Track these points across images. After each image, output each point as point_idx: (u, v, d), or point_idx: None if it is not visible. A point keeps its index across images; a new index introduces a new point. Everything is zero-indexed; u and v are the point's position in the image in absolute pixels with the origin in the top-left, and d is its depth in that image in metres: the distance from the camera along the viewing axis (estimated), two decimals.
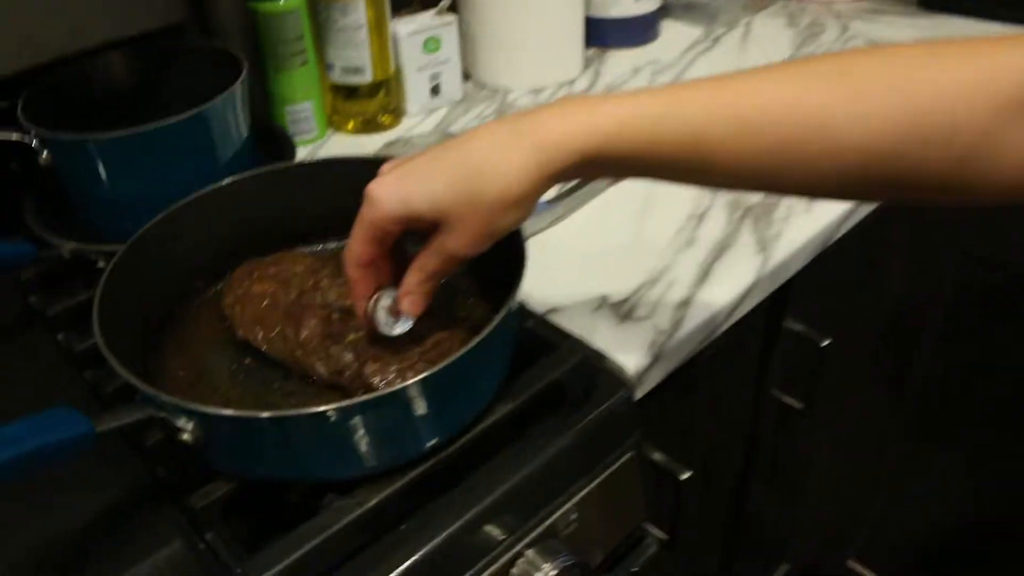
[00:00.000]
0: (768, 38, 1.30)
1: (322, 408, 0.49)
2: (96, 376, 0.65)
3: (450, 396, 0.54)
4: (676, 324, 0.74)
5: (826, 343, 1.00)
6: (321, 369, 0.59)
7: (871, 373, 1.34)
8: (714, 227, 0.87)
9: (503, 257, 0.60)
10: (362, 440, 0.52)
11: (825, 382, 1.11)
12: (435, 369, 0.51)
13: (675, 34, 1.33)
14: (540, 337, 0.67)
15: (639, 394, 0.71)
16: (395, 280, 0.58)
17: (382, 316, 0.57)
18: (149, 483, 0.59)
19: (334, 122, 1.04)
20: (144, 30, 0.88)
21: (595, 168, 0.52)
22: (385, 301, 0.57)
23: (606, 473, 0.66)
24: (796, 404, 1.07)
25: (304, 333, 0.60)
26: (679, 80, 1.07)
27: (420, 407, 0.53)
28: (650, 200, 0.92)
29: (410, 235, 0.57)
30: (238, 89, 0.75)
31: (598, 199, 0.92)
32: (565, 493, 0.63)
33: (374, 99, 1.03)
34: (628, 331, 0.73)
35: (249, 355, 0.64)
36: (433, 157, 0.53)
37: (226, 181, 0.68)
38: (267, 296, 0.64)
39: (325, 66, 1.00)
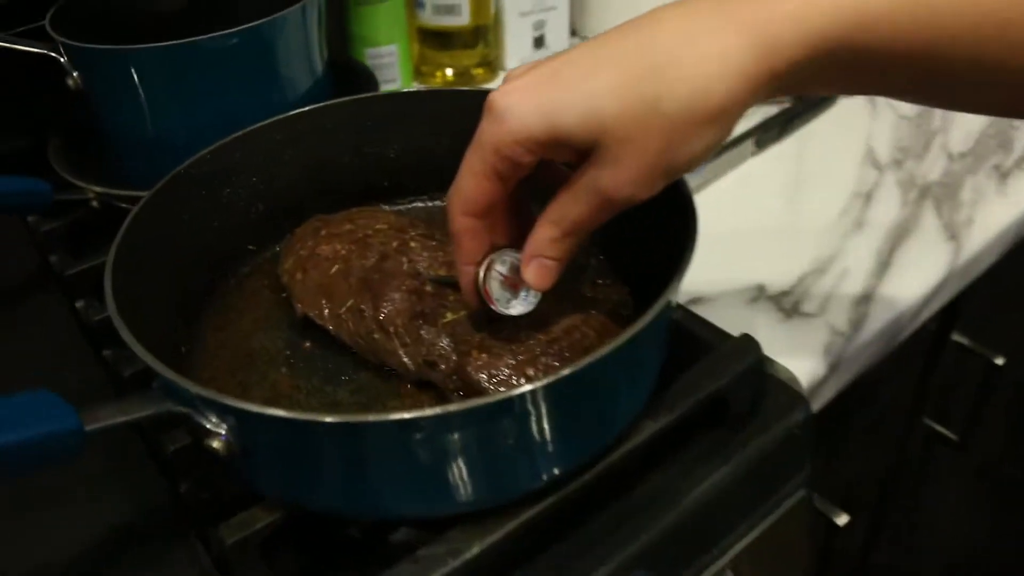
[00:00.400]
0: None
1: (409, 415, 0.33)
2: (117, 356, 0.51)
3: (588, 407, 0.38)
4: (856, 323, 0.57)
5: (1000, 362, 0.82)
6: (406, 359, 0.44)
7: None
8: (887, 208, 0.70)
9: (652, 219, 0.44)
10: (460, 464, 0.37)
11: (995, 411, 0.92)
12: (575, 368, 0.35)
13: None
14: (691, 334, 0.51)
15: (816, 406, 0.54)
16: (515, 244, 0.42)
17: (495, 288, 0.41)
18: (169, 502, 0.44)
19: (421, 73, 0.89)
20: None
21: (837, 67, 0.35)
22: (500, 268, 0.41)
23: (774, 515, 0.49)
24: (951, 435, 0.89)
25: (386, 309, 0.45)
26: None
27: (545, 421, 0.37)
28: (800, 175, 0.75)
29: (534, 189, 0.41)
30: (314, 2, 0.60)
31: (735, 172, 0.75)
32: (721, 543, 0.47)
33: (469, 49, 0.87)
34: (796, 330, 0.57)
35: (310, 336, 0.49)
36: (595, 47, 0.36)
37: (293, 112, 0.53)
38: (338, 260, 0.48)
39: (414, 4, 0.85)
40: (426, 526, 0.39)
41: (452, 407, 0.33)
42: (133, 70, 0.55)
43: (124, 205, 0.58)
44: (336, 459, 0.36)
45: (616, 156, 0.35)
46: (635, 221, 0.47)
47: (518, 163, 0.37)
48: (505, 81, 0.37)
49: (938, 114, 0.84)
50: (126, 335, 0.37)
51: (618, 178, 0.36)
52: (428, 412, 0.33)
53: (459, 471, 0.37)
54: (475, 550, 0.37)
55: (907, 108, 0.85)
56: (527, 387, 0.34)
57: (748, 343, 0.48)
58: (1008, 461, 1.19)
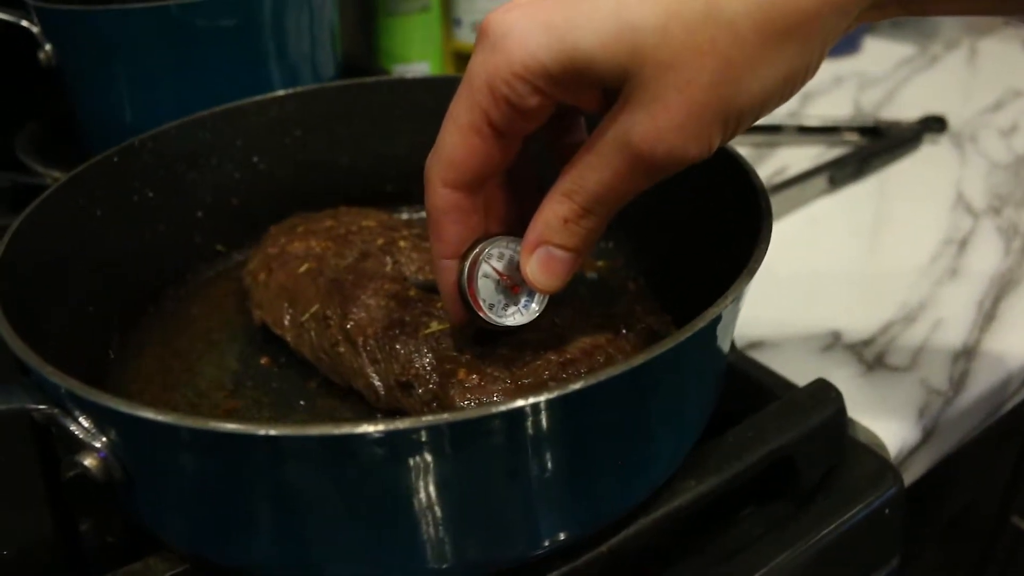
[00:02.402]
0: (1000, 59, 1.01)
1: (361, 429, 0.23)
2: None
3: (608, 446, 0.28)
4: (958, 381, 0.46)
5: None
6: (375, 379, 0.34)
7: None
8: (987, 256, 0.59)
9: (710, 228, 0.35)
10: (422, 510, 0.26)
11: None
12: (594, 380, 0.24)
13: (881, 49, 1.07)
14: (749, 377, 0.40)
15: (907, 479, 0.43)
16: (514, 232, 0.32)
17: (485, 290, 0.31)
18: (62, 540, 0.34)
19: None
20: None
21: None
22: (492, 263, 0.31)
23: None
24: None
25: (356, 317, 0.35)
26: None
27: (552, 457, 0.27)
28: (881, 217, 0.64)
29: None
30: None
31: (806, 209, 0.65)
32: None
33: None
34: (882, 386, 0.46)
35: (268, 351, 0.39)
36: None
37: (282, 92, 0.45)
38: (310, 258, 0.39)
39: (451, 21, 0.77)
40: None
41: (402, 422, 0.23)
42: (113, 36, 0.48)
43: None
44: (263, 491, 0.25)
45: (656, 92, 0.25)
46: (688, 233, 0.38)
47: (521, 108, 0.27)
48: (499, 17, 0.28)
49: None
50: None
51: (658, 123, 0.25)
52: (368, 428, 0.23)
53: (424, 518, 0.26)
54: None
55: (1003, 155, 0.74)
56: (517, 403, 0.24)
57: (825, 390, 0.37)
58: None
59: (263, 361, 0.39)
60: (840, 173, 0.67)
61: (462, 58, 0.80)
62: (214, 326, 0.42)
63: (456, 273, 0.30)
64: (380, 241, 0.39)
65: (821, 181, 0.66)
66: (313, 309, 0.36)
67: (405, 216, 0.49)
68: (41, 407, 0.26)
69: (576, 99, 0.27)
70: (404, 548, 0.27)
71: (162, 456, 0.25)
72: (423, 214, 0.50)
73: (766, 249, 0.30)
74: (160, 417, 0.23)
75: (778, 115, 0.76)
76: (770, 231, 0.31)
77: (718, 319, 0.28)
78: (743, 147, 0.74)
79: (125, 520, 0.31)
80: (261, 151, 0.46)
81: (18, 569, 0.32)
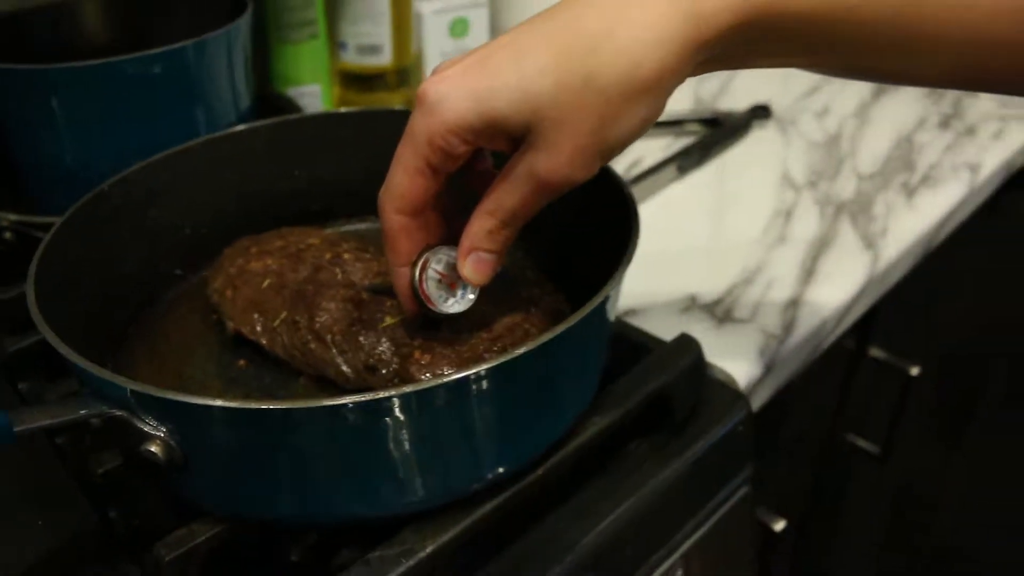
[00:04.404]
0: None
1: (352, 399, 0.32)
2: (33, 388, 0.49)
3: (531, 399, 0.38)
4: (787, 326, 0.59)
5: (915, 372, 0.85)
6: (345, 367, 0.43)
7: (936, 415, 1.18)
8: (807, 224, 0.72)
9: (587, 230, 0.45)
10: (403, 456, 0.36)
11: (909, 423, 0.95)
12: (519, 352, 0.34)
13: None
14: (629, 340, 0.51)
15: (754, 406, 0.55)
16: (447, 241, 0.42)
17: (432, 288, 0.41)
18: (95, 529, 0.41)
19: None
20: None
21: (766, 37, 0.36)
22: (436, 267, 0.41)
23: (720, 512, 0.49)
24: (872, 448, 0.91)
25: (321, 318, 0.44)
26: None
27: (491, 411, 0.37)
28: (722, 197, 0.77)
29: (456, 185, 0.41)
30: (239, 29, 0.60)
31: (658, 197, 0.77)
32: (671, 541, 0.47)
33: (390, 90, 0.88)
34: (730, 335, 0.57)
35: (243, 354, 0.47)
36: (525, 30, 0.37)
37: (220, 133, 0.53)
38: (269, 274, 0.47)
39: (337, 45, 0.85)
40: (369, 543, 0.38)
41: (388, 392, 0.32)
42: (52, 91, 0.54)
43: (40, 234, 0.55)
44: (283, 453, 0.34)
45: (551, 139, 0.35)
46: (572, 229, 0.48)
47: (452, 154, 0.37)
48: (434, 72, 0.38)
49: (846, 139, 0.88)
50: (50, 335, 0.36)
51: (554, 161, 0.36)
52: (366, 396, 0.32)
53: (403, 464, 0.36)
54: (428, 549, 0.36)
55: (818, 135, 0.88)
56: (467, 371, 0.33)
57: (687, 342, 0.48)
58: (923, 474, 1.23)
59: (240, 363, 0.47)
60: (686, 161, 0.79)
61: (347, 77, 0.88)
62: (189, 339, 0.49)
63: (409, 277, 0.40)
64: (328, 255, 0.48)
65: (671, 170, 0.77)
66: (283, 316, 0.45)
67: (330, 231, 0.58)
68: (114, 411, 0.33)
69: (492, 144, 0.37)
70: (387, 488, 0.37)
71: (212, 435, 0.34)
72: (349, 228, 0.59)
73: (637, 243, 0.41)
74: (218, 403, 0.32)
75: None
76: (639, 228, 0.42)
77: (607, 298, 0.38)
78: None
79: (174, 496, 0.39)
80: (206, 184, 0.53)
81: (71, 549, 0.40)
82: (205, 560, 0.38)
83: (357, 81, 0.88)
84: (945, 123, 0.90)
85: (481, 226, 0.38)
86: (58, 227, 0.44)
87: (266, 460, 0.35)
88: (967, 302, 1.08)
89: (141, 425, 0.34)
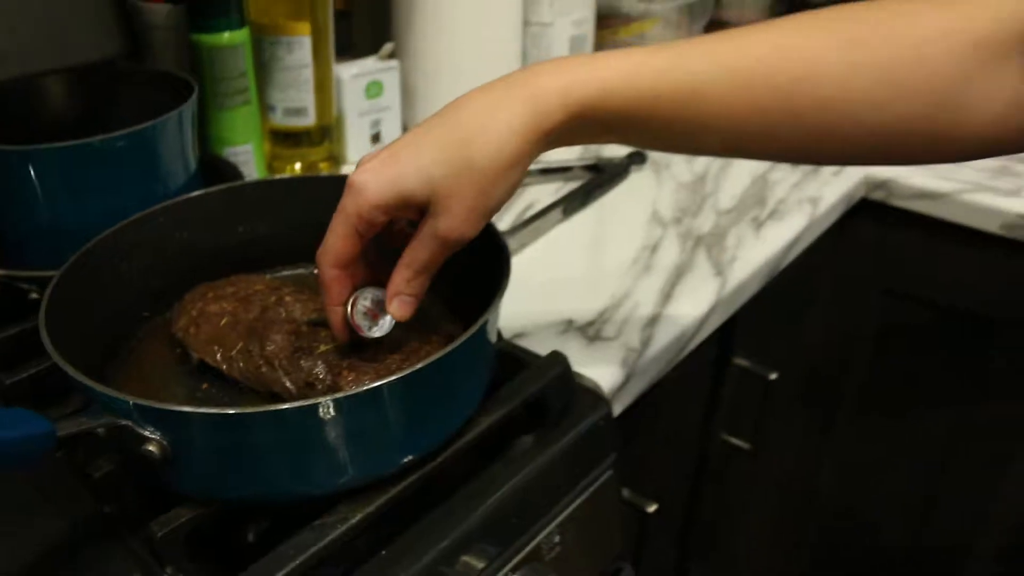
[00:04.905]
0: None
1: (296, 404, 0.45)
2: None
3: (431, 402, 0.51)
4: (646, 342, 0.73)
5: (773, 377, 1.00)
6: (289, 384, 0.55)
7: (806, 411, 1.34)
8: (669, 255, 0.87)
9: (475, 272, 0.58)
10: (339, 446, 0.48)
11: (774, 422, 1.11)
12: (418, 366, 0.48)
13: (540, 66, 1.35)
14: (513, 357, 0.65)
15: (616, 412, 0.68)
16: (370, 283, 0.55)
17: (361, 320, 0.54)
18: (100, 518, 0.53)
19: (273, 168, 1.01)
20: (79, 63, 0.84)
21: (590, 126, 0.51)
22: (364, 303, 0.54)
23: (589, 491, 0.63)
24: (744, 445, 1.06)
25: (269, 347, 0.56)
26: None
27: (400, 411, 0.49)
28: (600, 235, 0.91)
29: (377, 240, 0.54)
30: (189, 108, 0.72)
31: (546, 237, 0.91)
32: (549, 513, 0.60)
33: (315, 146, 1.01)
34: (599, 351, 0.71)
35: (206, 380, 0.59)
36: (422, 131, 0.50)
37: (181, 198, 0.65)
38: (226, 314, 0.59)
39: (266, 108, 0.98)
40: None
41: (321, 398, 0.45)
42: (30, 168, 0.65)
43: (24, 285, 0.67)
44: (246, 447, 0.47)
45: (447, 207, 0.49)
46: (467, 271, 0.61)
47: (374, 223, 0.50)
48: (359, 164, 0.51)
49: (710, 180, 1.03)
50: (67, 367, 0.48)
51: (450, 223, 0.50)
52: (306, 402, 0.45)
53: (336, 452, 0.48)
54: (358, 517, 0.49)
55: (686, 176, 1.04)
56: (381, 382, 0.46)
57: (557, 356, 0.62)
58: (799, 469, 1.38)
59: (204, 387, 0.59)
60: (571, 204, 0.93)
61: (276, 135, 1.00)
62: (159, 369, 0.61)
63: (342, 313, 0.53)
64: (272, 299, 0.60)
65: (557, 212, 0.92)
66: (238, 347, 0.57)
67: (270, 276, 0.70)
68: (123, 421, 0.45)
69: (404, 214, 0.51)
70: (325, 472, 0.49)
71: (194, 436, 0.46)
72: (286, 273, 0.71)
73: (507, 282, 0.54)
74: (200, 410, 0.44)
75: None
76: (509, 271, 0.55)
77: (485, 325, 0.51)
78: None
79: (163, 488, 0.51)
80: (169, 242, 0.65)
81: (84, 531, 0.51)
82: (188, 537, 0.49)
83: (285, 138, 1.00)
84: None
85: (402, 276, 0.52)
86: (57, 279, 0.55)
87: (234, 453, 0.47)
88: (824, 312, 1.25)
89: (141, 431, 0.46)
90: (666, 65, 0.49)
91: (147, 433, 0.46)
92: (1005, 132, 0.51)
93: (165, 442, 0.46)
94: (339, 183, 0.52)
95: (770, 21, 0.50)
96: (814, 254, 1.04)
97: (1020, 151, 0.53)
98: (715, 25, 1.52)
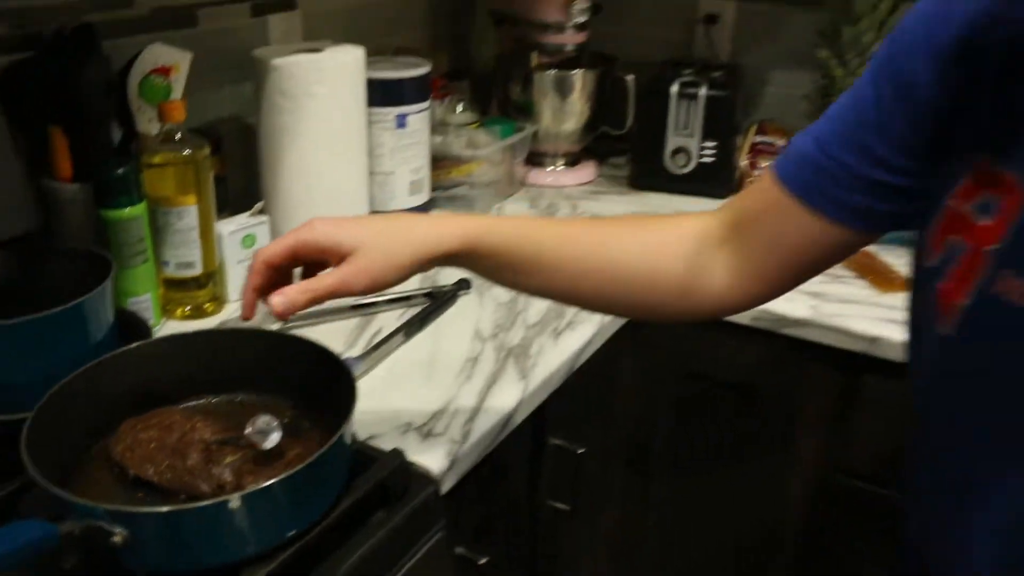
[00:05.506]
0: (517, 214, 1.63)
1: (216, 500, 0.70)
2: None
3: (308, 491, 0.76)
4: (465, 435, 0.99)
5: (581, 451, 1.28)
6: (206, 488, 0.78)
7: (625, 475, 1.63)
8: (486, 365, 1.14)
9: (335, 395, 0.84)
10: (243, 527, 0.72)
11: (589, 487, 1.38)
12: (298, 468, 0.72)
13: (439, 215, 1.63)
14: (365, 453, 0.90)
15: (444, 489, 0.94)
16: (277, 287, 0.78)
17: (255, 437, 0.78)
18: None
19: (167, 310, 1.24)
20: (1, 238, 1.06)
21: (471, 262, 0.80)
22: (259, 424, 0.78)
23: (425, 549, 0.88)
24: (563, 506, 1.33)
25: (189, 462, 0.79)
26: None
27: (286, 499, 0.74)
28: (434, 352, 1.18)
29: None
30: (109, 283, 0.95)
31: (392, 357, 1.16)
32: (393, 568, 0.85)
33: (201, 289, 1.24)
34: (430, 444, 0.97)
35: (142, 491, 0.81)
36: (367, 218, 0.79)
37: (105, 357, 0.88)
38: (153, 440, 0.82)
39: (161, 263, 1.21)
40: None
41: (229, 496, 0.70)
42: None
43: None
44: (179, 532, 0.70)
45: (358, 265, 0.75)
46: (331, 396, 0.86)
47: (307, 250, 0.76)
48: (316, 219, 0.77)
49: (522, 299, 1.32)
50: (45, 483, 0.70)
51: (355, 274, 0.75)
52: (219, 499, 0.69)
53: (241, 531, 0.72)
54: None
55: (504, 297, 1.32)
56: (270, 481, 0.71)
57: (397, 452, 0.88)
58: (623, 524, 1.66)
59: (140, 495, 0.81)
60: (411, 329, 1.20)
61: (169, 283, 1.23)
62: (103, 485, 0.83)
63: (253, 299, 0.79)
64: (187, 425, 0.83)
65: (400, 336, 1.18)
66: (166, 463, 0.80)
67: (189, 404, 0.93)
68: (98, 523, 0.68)
69: (329, 255, 0.77)
70: (234, 545, 0.73)
71: (145, 528, 0.69)
72: (195, 403, 0.94)
73: (355, 405, 0.80)
74: (153, 510, 0.67)
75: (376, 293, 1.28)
76: (356, 397, 0.81)
77: (342, 435, 0.77)
78: (357, 318, 1.24)
79: (123, 567, 0.73)
80: (101, 389, 0.87)
81: None
82: None
83: (177, 285, 1.23)
84: None
85: (298, 289, 0.76)
86: (31, 420, 0.77)
87: (171, 538, 0.70)
88: (630, 391, 1.55)
89: (110, 528, 0.68)
90: (511, 226, 0.80)
91: (114, 529, 0.69)
92: (730, 302, 0.82)
93: (126, 534, 0.69)
94: (228, 334, 0.79)
95: (569, 218, 0.83)
96: (616, 343, 1.33)
97: (747, 309, 0.83)
98: (533, 156, 1.84)
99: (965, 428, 0.66)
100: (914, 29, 0.67)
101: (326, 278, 0.76)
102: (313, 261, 0.79)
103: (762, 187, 0.77)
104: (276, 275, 0.79)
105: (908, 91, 0.67)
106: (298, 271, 0.81)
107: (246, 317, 0.80)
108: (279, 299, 0.76)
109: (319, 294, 0.76)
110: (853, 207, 0.72)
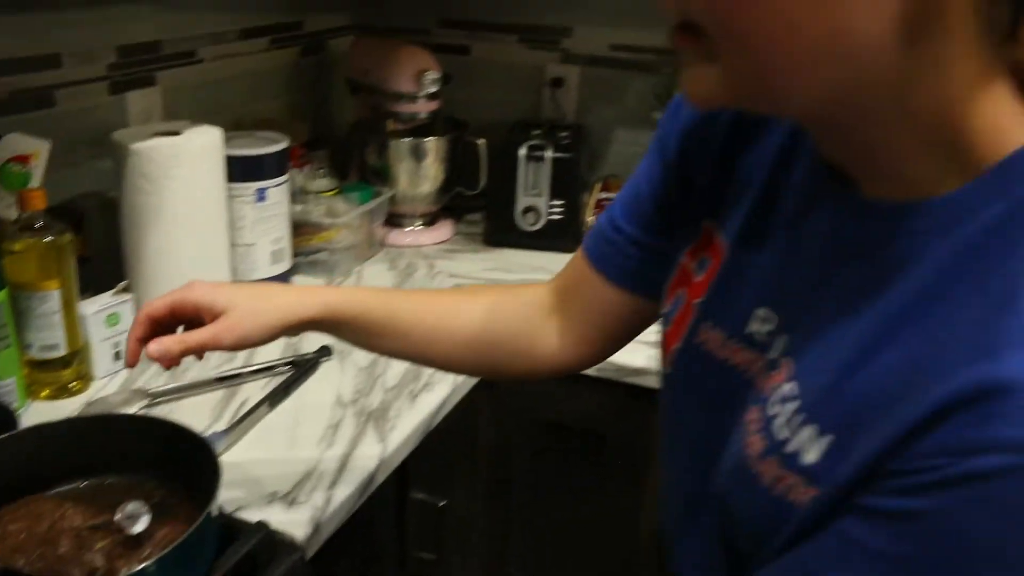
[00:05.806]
0: (376, 280, 1.72)
1: None
2: None
3: (180, 568, 0.82)
4: (328, 500, 1.07)
5: (443, 503, 1.38)
6: (78, 575, 0.84)
7: (487, 523, 1.73)
8: (347, 431, 1.22)
9: (199, 472, 0.90)
10: None
11: (453, 536, 1.47)
12: (168, 549, 0.79)
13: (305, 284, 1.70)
14: (232, 526, 0.96)
15: (309, 554, 1.02)
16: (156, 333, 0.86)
17: (125, 522, 0.84)
18: None
19: (32, 391, 1.26)
20: None
21: (320, 327, 0.88)
22: (129, 511, 0.84)
23: None
24: (429, 556, 1.42)
25: (60, 550, 0.84)
26: None
27: None
28: (298, 420, 1.25)
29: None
30: None
31: (258, 427, 1.23)
32: None
33: (67, 368, 1.27)
34: (295, 512, 1.05)
35: None
36: (246, 285, 0.88)
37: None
38: (23, 531, 0.87)
39: (24, 346, 1.24)
40: None
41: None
42: None
43: None
44: None
45: (229, 323, 0.83)
46: (194, 477, 0.93)
47: (187, 309, 0.84)
48: (195, 282, 0.85)
49: (381, 363, 1.40)
50: None
51: (226, 331, 0.83)
52: None
53: None
54: None
55: (364, 362, 1.41)
56: (142, 566, 0.77)
57: (262, 524, 0.95)
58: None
59: None
60: (275, 398, 1.26)
61: (34, 364, 1.26)
62: None
63: (136, 349, 0.86)
64: (57, 514, 0.88)
65: (265, 407, 1.24)
66: (37, 552, 0.85)
67: (53, 492, 0.97)
68: None
69: (204, 312, 0.85)
70: None
71: None
72: (64, 488, 0.99)
73: (219, 484, 0.87)
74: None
75: (240, 361, 1.34)
76: (220, 475, 0.88)
77: (208, 513, 0.84)
78: (223, 390, 1.30)
79: None
80: None
81: None
82: None
83: (41, 365, 1.26)
84: None
85: (174, 341, 0.84)
86: None
87: None
88: (486, 446, 1.65)
89: None
90: (366, 296, 0.89)
91: None
92: (564, 363, 0.92)
93: None
94: (93, 420, 0.85)
95: (419, 290, 0.92)
96: (472, 400, 1.43)
97: (582, 369, 0.94)
98: (392, 217, 1.93)
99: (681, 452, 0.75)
100: (675, 109, 0.76)
101: (200, 332, 0.84)
102: (190, 319, 0.88)
103: (576, 260, 0.89)
104: (158, 328, 0.87)
105: (665, 164, 0.75)
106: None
107: (130, 364, 0.88)
108: (155, 347, 0.84)
109: (191, 346, 0.84)
110: (632, 272, 0.80)
